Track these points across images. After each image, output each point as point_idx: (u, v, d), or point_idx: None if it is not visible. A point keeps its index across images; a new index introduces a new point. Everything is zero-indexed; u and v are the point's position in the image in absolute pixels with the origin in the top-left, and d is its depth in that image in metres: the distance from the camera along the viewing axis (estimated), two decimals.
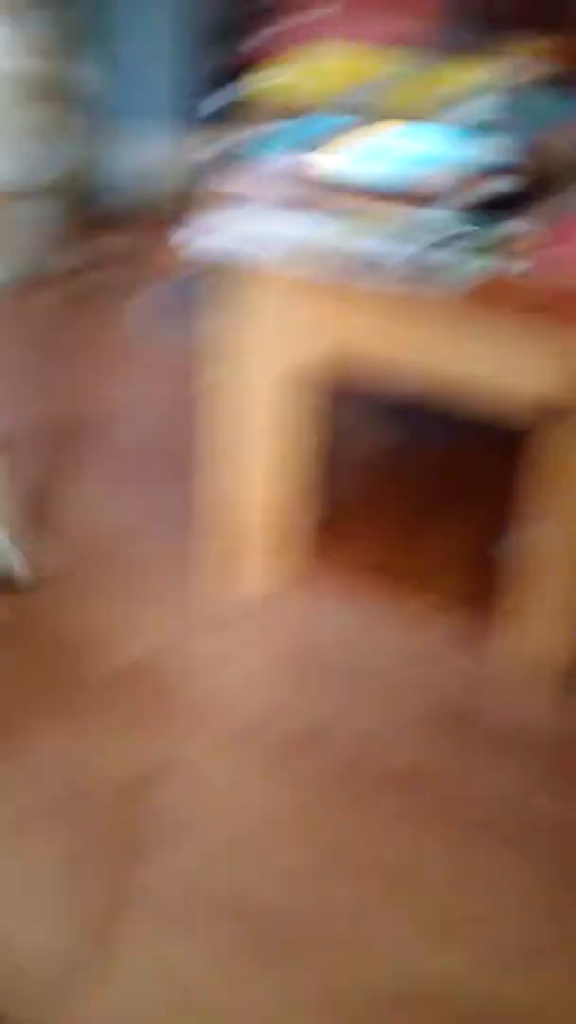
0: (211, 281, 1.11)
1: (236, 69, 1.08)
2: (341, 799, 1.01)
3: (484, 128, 0.95)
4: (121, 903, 0.89)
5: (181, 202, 1.30)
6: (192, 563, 1.32)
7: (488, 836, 0.97)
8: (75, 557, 1.33)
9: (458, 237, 0.95)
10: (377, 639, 1.23)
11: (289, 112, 0.97)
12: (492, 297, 0.97)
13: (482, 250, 0.96)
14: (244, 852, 0.95)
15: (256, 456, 1.21)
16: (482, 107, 0.94)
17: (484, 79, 0.93)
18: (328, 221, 0.98)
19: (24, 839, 0.94)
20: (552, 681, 1.15)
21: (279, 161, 0.96)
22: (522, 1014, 0.82)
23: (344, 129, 0.96)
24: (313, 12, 0.95)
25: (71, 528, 1.39)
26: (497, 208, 0.97)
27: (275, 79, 0.98)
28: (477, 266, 0.95)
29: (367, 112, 0.96)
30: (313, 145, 0.96)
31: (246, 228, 1.01)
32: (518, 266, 0.95)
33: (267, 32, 1.03)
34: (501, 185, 0.94)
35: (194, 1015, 0.81)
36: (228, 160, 1.00)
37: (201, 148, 1.01)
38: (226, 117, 1.06)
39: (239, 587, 1.29)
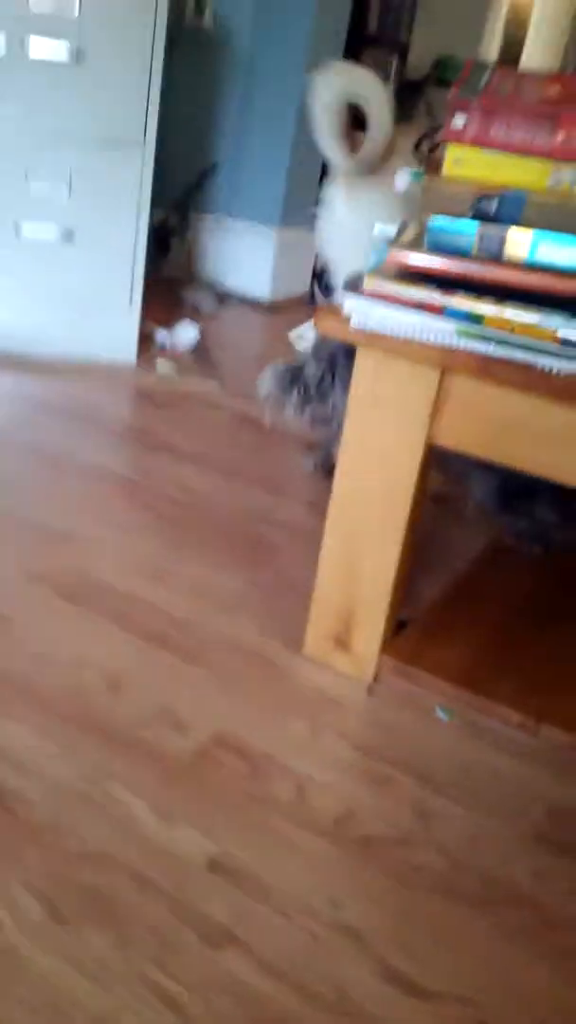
0: (363, 355, 1.09)
1: None
2: (429, 904, 0.94)
3: None
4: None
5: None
6: (288, 643, 1.31)
7: None
8: (170, 626, 1.34)
9: None
10: (479, 744, 1.18)
11: (462, 203, 0.97)
12: None
13: None
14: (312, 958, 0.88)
15: (378, 532, 1.18)
16: None
17: None
18: (506, 304, 0.96)
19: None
20: None
21: (460, 248, 0.97)
22: None
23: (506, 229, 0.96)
24: (453, 117, 0.95)
25: (169, 599, 1.40)
26: None
27: (451, 169, 0.98)
28: None
29: (511, 218, 0.96)
30: (491, 239, 0.96)
31: (415, 306, 1.00)
32: None
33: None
34: None
35: None
36: (404, 241, 1.01)
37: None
38: None
39: (336, 671, 1.26)
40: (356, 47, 3.22)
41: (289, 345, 2.33)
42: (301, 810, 1.04)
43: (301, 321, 2.38)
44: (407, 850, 1.01)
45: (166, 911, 0.90)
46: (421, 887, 0.97)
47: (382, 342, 1.04)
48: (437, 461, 1.62)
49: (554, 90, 0.92)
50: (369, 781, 1.10)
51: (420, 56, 3.94)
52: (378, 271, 1.00)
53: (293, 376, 1.70)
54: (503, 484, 1.55)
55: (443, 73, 3.97)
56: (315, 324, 1.05)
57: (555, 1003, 0.87)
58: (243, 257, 2.92)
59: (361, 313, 1.02)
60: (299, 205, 2.86)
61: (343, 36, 2.81)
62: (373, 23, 3.62)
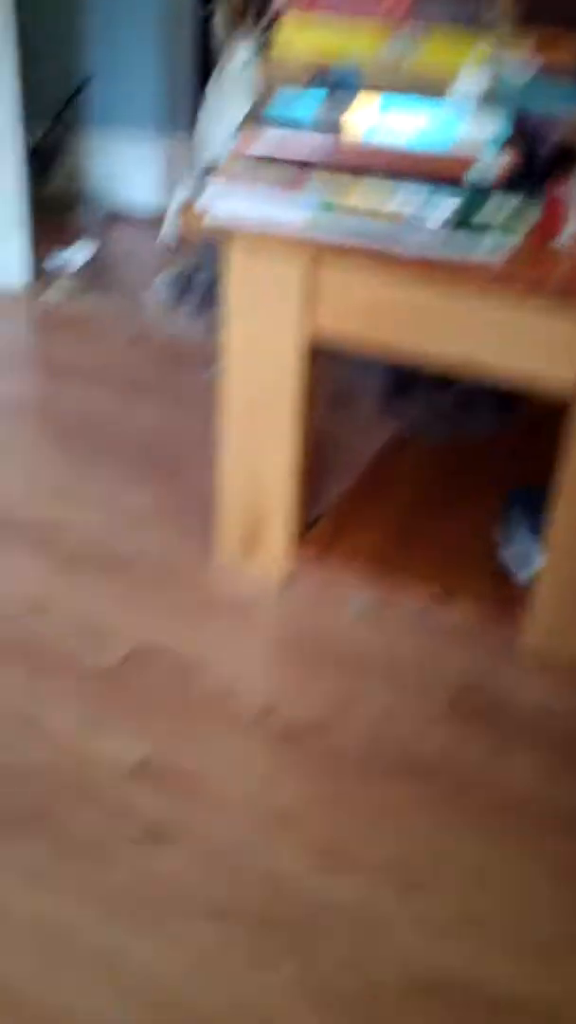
0: (228, 251, 1.06)
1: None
2: (352, 787, 0.98)
3: (489, 102, 0.93)
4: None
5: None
6: (201, 552, 1.31)
7: (507, 826, 0.95)
8: (84, 546, 1.33)
9: (483, 208, 0.94)
10: (389, 627, 1.21)
11: (302, 76, 0.94)
12: (525, 269, 0.94)
13: (509, 223, 0.95)
14: (246, 846, 0.91)
15: (271, 433, 1.18)
16: (481, 81, 0.92)
17: (480, 54, 0.91)
18: (358, 184, 0.95)
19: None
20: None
21: (304, 123, 0.94)
22: (538, 1009, 0.80)
23: (347, 99, 0.94)
24: None
25: (81, 520, 1.39)
26: (517, 183, 0.97)
27: (282, 44, 0.94)
28: (505, 239, 0.94)
29: (351, 90, 0.93)
30: (333, 110, 0.94)
31: (268, 192, 0.98)
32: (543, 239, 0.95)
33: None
34: (516, 160, 0.93)
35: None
36: (251, 123, 0.98)
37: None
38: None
39: (250, 574, 1.28)
40: None
41: (175, 252, 2.28)
42: (226, 707, 1.08)
43: None
44: (329, 735, 1.05)
45: (99, 816, 0.93)
46: (345, 768, 1.01)
47: (242, 235, 1.03)
48: (333, 362, 1.64)
49: None
50: (290, 673, 1.14)
51: None
52: (230, 161, 0.98)
53: (185, 283, 1.68)
54: (394, 377, 1.56)
55: None
56: (180, 222, 1.04)
57: (475, 859, 0.93)
58: (129, 170, 2.83)
59: (216, 206, 1.00)
60: (181, 111, 2.76)
61: None
62: None
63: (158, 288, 1.68)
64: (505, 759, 1.03)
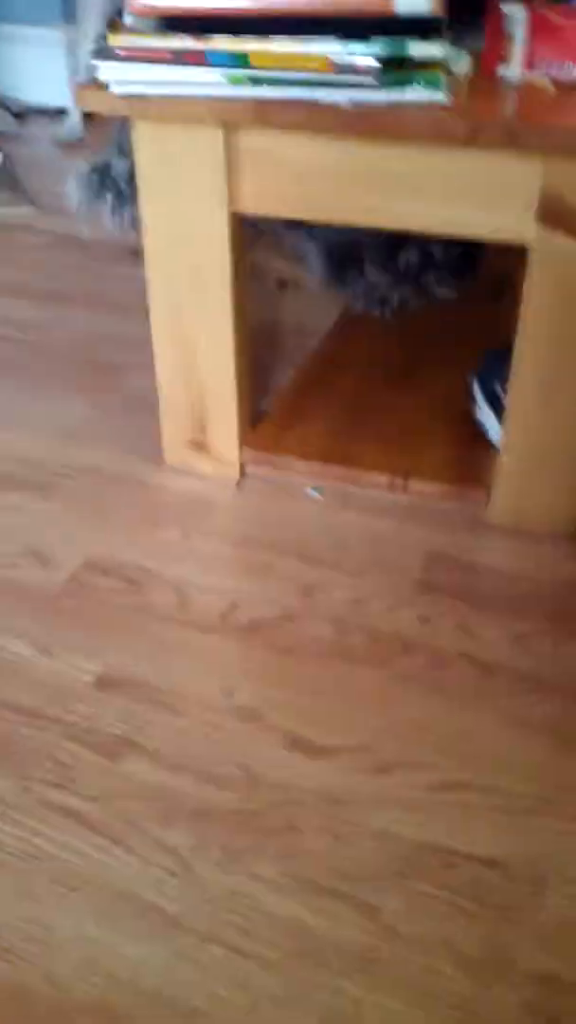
0: (135, 129, 0.97)
1: None
2: (321, 674, 0.95)
3: None
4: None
5: None
6: (146, 459, 1.25)
7: (482, 693, 0.93)
8: (17, 466, 1.26)
9: (417, 47, 0.84)
10: (350, 514, 1.17)
11: None
12: (469, 109, 0.87)
13: (447, 60, 0.87)
14: (214, 746, 0.88)
15: (205, 323, 1.10)
16: None
17: None
18: (270, 37, 0.85)
19: None
20: (545, 535, 1.11)
21: None
22: (518, 865, 0.78)
23: None
24: None
25: (9, 439, 1.31)
26: (454, 16, 0.87)
27: None
28: (445, 78, 0.86)
29: None
30: None
31: (170, 56, 0.88)
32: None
33: None
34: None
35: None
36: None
37: None
38: None
39: (199, 476, 1.22)
40: None
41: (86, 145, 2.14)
42: (184, 612, 1.03)
43: None
44: (294, 625, 1.01)
45: (60, 737, 0.89)
46: (312, 657, 0.98)
47: (150, 108, 0.94)
48: (273, 245, 1.55)
49: None
50: (249, 571, 1.09)
51: None
52: (128, 26, 0.88)
53: (101, 177, 1.56)
54: (333, 252, 1.48)
55: None
56: (75, 102, 0.94)
57: (448, 729, 0.91)
58: (33, 66, 2.65)
59: (117, 79, 0.91)
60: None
61: None
62: None
63: (73, 186, 1.56)
64: (476, 630, 1.00)
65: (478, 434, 1.22)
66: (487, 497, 1.13)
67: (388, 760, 0.88)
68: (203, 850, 0.80)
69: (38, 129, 2.46)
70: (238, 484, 1.22)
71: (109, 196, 1.57)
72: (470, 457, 1.19)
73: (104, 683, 0.95)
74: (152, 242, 1.07)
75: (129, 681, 0.95)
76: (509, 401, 1.05)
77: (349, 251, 1.46)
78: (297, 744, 0.89)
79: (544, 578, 1.07)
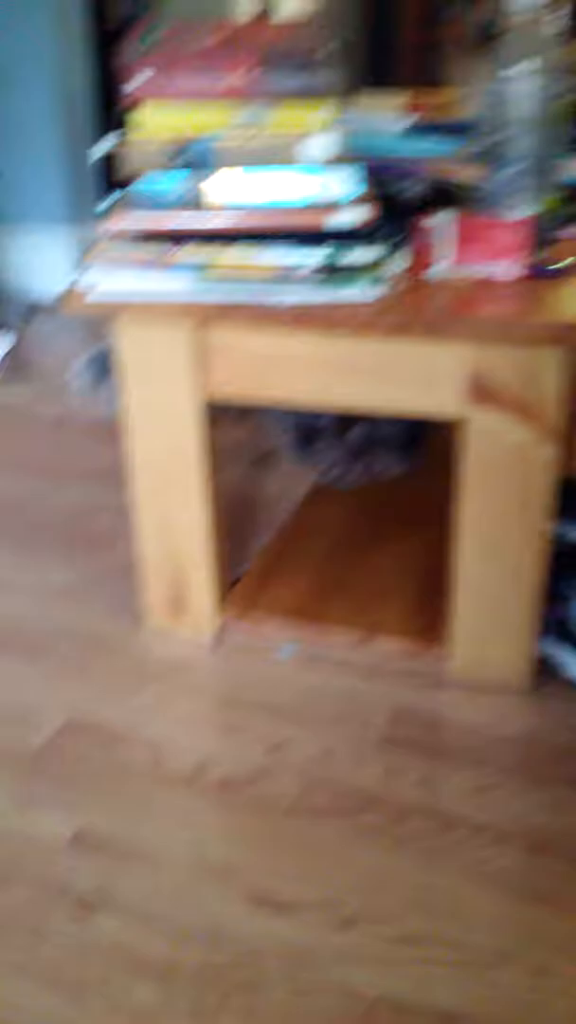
0: (117, 326, 1.10)
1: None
2: (287, 830, 0.99)
3: (340, 158, 0.99)
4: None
5: None
6: (129, 622, 1.33)
7: (445, 847, 0.97)
8: (8, 628, 1.35)
9: (350, 254, 0.99)
10: (318, 672, 1.23)
11: (161, 156, 1.00)
12: (395, 308, 0.99)
13: (378, 264, 1.01)
14: (182, 903, 0.91)
15: (181, 495, 1.21)
16: (327, 141, 0.98)
17: (322, 119, 0.98)
18: (228, 248, 1.01)
19: None
20: (502, 689, 1.17)
21: (169, 198, 1.00)
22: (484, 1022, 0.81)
23: (207, 171, 1.00)
24: (138, 76, 0.97)
25: (3, 603, 1.41)
26: (383, 226, 1.03)
27: (139, 128, 1.00)
28: (375, 279, 1.00)
29: (208, 163, 0.99)
30: (195, 183, 1.00)
31: (145, 266, 1.02)
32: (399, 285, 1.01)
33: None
34: (357, 214, 0.99)
35: None
36: (119, 205, 1.03)
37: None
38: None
39: (178, 638, 1.29)
40: (104, 38, 3.20)
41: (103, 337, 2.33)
42: (158, 770, 1.08)
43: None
44: (263, 783, 1.05)
45: (34, 895, 0.92)
46: (279, 813, 1.02)
47: (127, 309, 1.07)
48: (246, 421, 1.66)
49: (217, 37, 0.97)
50: (221, 730, 1.14)
51: None
52: (107, 239, 1.02)
53: (106, 361, 1.70)
54: (301, 428, 1.60)
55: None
56: (62, 309, 1.07)
57: (414, 885, 0.93)
58: (45, 263, 2.89)
59: (97, 286, 1.04)
60: (91, 200, 2.84)
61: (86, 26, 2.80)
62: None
63: (77, 372, 1.70)
64: (437, 783, 1.04)
65: (439, 593, 1.30)
66: (448, 653, 1.20)
67: (350, 914, 0.90)
68: (166, 1007, 0.81)
69: (47, 318, 2.67)
70: (214, 645, 1.29)
71: (109, 382, 1.71)
72: (432, 615, 1.26)
73: (79, 839, 0.98)
74: (132, 423, 1.18)
75: (105, 837, 0.99)
76: (455, 564, 1.13)
77: (313, 429, 1.58)
78: (264, 901, 0.92)
79: (502, 732, 1.12)
